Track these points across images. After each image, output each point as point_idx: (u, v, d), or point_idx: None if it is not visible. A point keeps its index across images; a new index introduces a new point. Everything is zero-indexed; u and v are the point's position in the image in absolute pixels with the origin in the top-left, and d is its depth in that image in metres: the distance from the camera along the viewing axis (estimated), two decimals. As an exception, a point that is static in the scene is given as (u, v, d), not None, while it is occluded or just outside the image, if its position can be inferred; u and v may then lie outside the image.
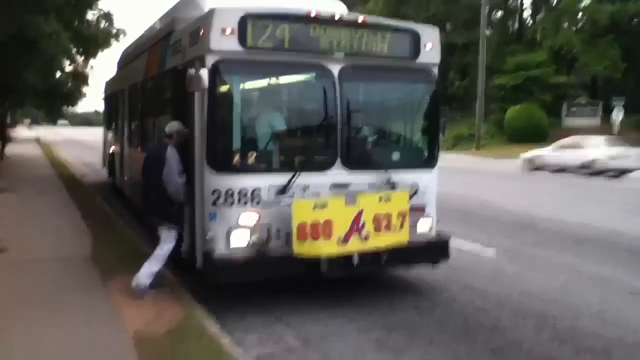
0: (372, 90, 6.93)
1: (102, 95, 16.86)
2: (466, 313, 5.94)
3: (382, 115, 7.03)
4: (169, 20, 8.27)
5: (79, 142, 43.01)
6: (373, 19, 6.57)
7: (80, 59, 24.74)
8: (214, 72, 5.52)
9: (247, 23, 5.60)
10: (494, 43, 43.40)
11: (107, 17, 23.86)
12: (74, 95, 27.96)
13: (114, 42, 24.00)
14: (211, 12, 5.63)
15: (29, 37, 14.62)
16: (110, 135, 14.85)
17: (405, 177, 6.33)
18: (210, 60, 5.58)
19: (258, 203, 5.71)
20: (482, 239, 9.19)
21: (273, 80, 6.31)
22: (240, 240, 5.65)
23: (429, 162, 6.69)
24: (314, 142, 6.36)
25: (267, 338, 5.23)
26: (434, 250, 6.53)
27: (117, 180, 13.24)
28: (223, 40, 5.56)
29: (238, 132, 5.96)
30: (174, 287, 6.24)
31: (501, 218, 11.40)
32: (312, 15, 5.91)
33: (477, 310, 6.04)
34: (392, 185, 6.19)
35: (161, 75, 8.10)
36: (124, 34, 24.31)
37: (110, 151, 14.48)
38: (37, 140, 41.27)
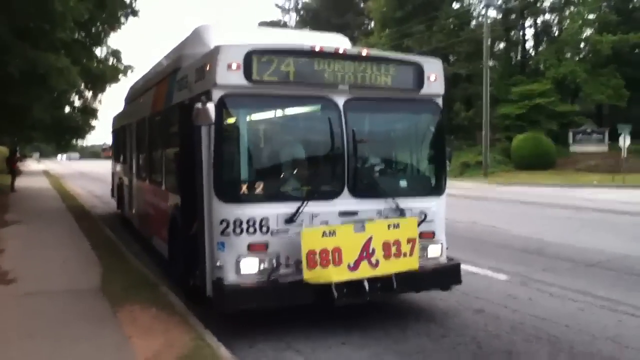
0: (378, 121, 6.99)
1: (111, 129, 17.19)
2: (479, 338, 5.86)
3: (388, 145, 7.11)
4: (176, 57, 8.49)
5: (87, 174, 43.26)
6: (376, 52, 6.67)
7: (89, 94, 25.13)
8: (220, 106, 5.65)
9: (252, 58, 5.74)
10: (498, 74, 43.80)
11: (116, 54, 24.36)
12: (83, 129, 28.28)
13: (122, 78, 24.44)
14: (217, 49, 5.78)
15: (40, 73, 14.86)
16: (118, 167, 15.10)
17: (413, 204, 6.37)
18: (216, 94, 5.72)
19: (267, 232, 5.77)
20: (492, 265, 9.12)
21: (279, 113, 6.41)
22: (249, 268, 5.70)
23: (437, 189, 6.75)
24: (321, 172, 6.43)
25: (278, 365, 5.17)
26: (445, 275, 6.53)
27: (126, 211, 13.39)
28: (229, 75, 5.71)
29: (245, 163, 6.03)
30: (185, 316, 6.20)
31: (510, 244, 11.32)
32: (317, 50, 6.05)
33: (490, 335, 5.96)
34: (401, 212, 6.21)
35: (168, 109, 8.26)
36: (132, 70, 24.77)
37: (119, 183, 14.70)
38: (46, 173, 41.55)
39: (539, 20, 48.13)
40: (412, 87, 6.53)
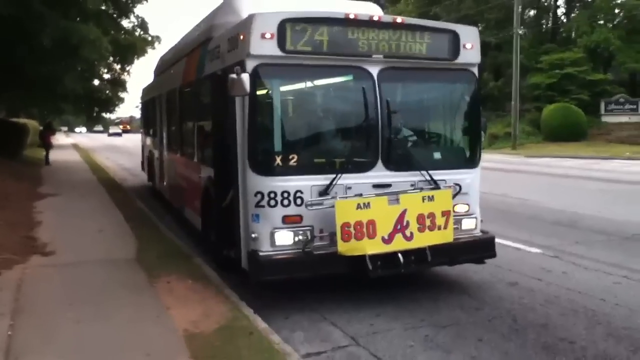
0: (412, 91, 6.90)
1: (139, 102, 17.30)
2: (514, 311, 5.84)
3: (422, 116, 7.00)
4: (207, 27, 8.39)
5: (115, 147, 43.87)
6: (412, 19, 6.52)
7: (117, 66, 25.33)
8: (254, 76, 5.60)
9: (286, 27, 5.67)
10: (528, 42, 42.70)
11: (143, 25, 24.41)
12: (112, 101, 28.55)
13: (149, 50, 24.54)
14: (250, 17, 5.70)
15: (72, 43, 14.98)
16: (148, 140, 15.15)
17: (447, 176, 6.29)
18: (250, 64, 5.67)
19: (301, 204, 5.78)
20: (525, 238, 9.04)
21: (313, 83, 6.35)
22: (284, 239, 5.74)
23: (472, 161, 6.68)
24: (355, 144, 6.34)
25: (314, 336, 5.24)
26: (479, 248, 6.49)
27: (157, 183, 13.53)
28: (263, 45, 5.64)
29: (279, 135, 6.01)
30: (220, 287, 6.30)
31: (542, 217, 11.19)
32: (351, 17, 5.95)
33: (525, 308, 5.94)
34: (435, 185, 6.14)
35: (200, 80, 8.23)
36: (159, 41, 24.85)
37: (149, 156, 14.80)
38: (75, 147, 42.26)
39: (571, -15, 46.63)
40: (447, 56, 6.41)
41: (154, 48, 24.92)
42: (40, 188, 15.18)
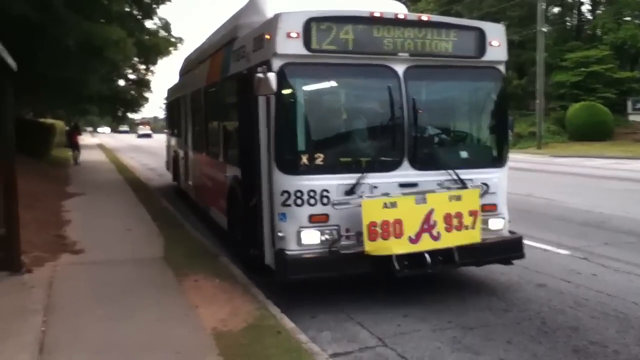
0: (438, 90, 6.86)
1: (164, 102, 17.50)
2: (543, 313, 5.78)
3: (448, 115, 6.95)
4: (232, 27, 8.42)
5: (139, 147, 44.36)
6: (437, 17, 6.48)
7: (141, 67, 25.66)
8: (280, 75, 5.62)
9: (311, 26, 5.70)
10: (552, 40, 42.16)
11: (166, 26, 24.72)
12: (137, 102, 28.91)
13: (172, 50, 24.84)
14: (276, 17, 5.73)
15: (96, 45, 15.19)
16: (173, 140, 15.26)
17: (474, 176, 6.25)
18: (276, 64, 5.70)
19: (327, 203, 5.79)
20: (552, 239, 8.93)
21: (338, 82, 6.34)
22: (310, 239, 5.76)
23: (499, 160, 6.62)
24: (381, 143, 6.36)
25: (341, 336, 5.24)
26: (507, 249, 6.43)
27: (182, 183, 13.64)
28: (288, 44, 5.68)
29: (306, 134, 6.04)
30: (247, 286, 6.34)
31: (569, 217, 11.04)
32: (376, 15, 5.96)
33: (554, 311, 5.87)
34: (462, 184, 6.10)
35: (225, 80, 8.28)
36: (182, 43, 25.14)
37: (174, 156, 14.90)
38: (101, 147, 42.85)
39: (597, -18, 45.89)
40: (473, 54, 6.38)
41: (177, 49, 25.24)
42: (67, 187, 15.45)
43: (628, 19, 40.16)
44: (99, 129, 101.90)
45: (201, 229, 9.85)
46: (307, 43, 5.70)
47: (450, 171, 6.11)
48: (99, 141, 54.80)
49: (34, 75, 16.35)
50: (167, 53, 24.96)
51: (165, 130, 19.27)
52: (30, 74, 15.34)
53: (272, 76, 5.51)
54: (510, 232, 6.58)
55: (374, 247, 5.53)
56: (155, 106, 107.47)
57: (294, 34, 5.66)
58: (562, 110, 37.54)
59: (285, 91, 5.75)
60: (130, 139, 68.58)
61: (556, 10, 48.36)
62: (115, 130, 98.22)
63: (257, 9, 7.55)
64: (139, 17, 22.70)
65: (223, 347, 4.69)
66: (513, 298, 6.28)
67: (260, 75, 5.50)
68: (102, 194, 14.07)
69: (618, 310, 5.83)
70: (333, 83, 6.38)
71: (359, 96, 6.62)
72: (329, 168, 5.91)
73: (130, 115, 38.02)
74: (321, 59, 5.85)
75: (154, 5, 22.68)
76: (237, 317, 5.37)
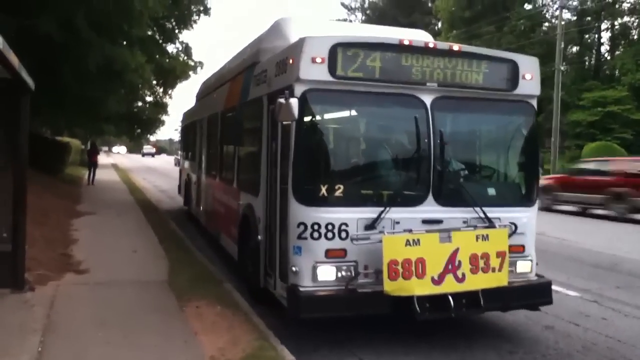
0: (467, 122, 6.58)
1: (180, 125, 17.64)
2: (549, 356, 5.63)
3: (477, 149, 6.70)
4: (253, 52, 8.26)
5: (153, 169, 44.68)
6: (469, 47, 6.27)
7: (160, 89, 25.99)
8: (303, 101, 5.41)
9: (337, 52, 5.50)
10: (570, 78, 42.16)
11: (187, 50, 25.08)
12: (154, 123, 29.21)
13: (191, 74, 25.17)
14: (301, 41, 5.53)
15: (116, 69, 15.46)
16: (186, 164, 15.20)
17: (502, 214, 5.94)
18: (299, 89, 5.49)
19: (345, 238, 5.51)
20: (562, 280, 8.74)
21: (363, 111, 6.10)
22: (326, 275, 5.46)
23: (528, 199, 6.33)
24: (405, 176, 6.05)
25: (340, 372, 5.13)
26: (535, 294, 6.12)
27: (193, 208, 13.56)
28: (313, 69, 5.46)
29: (326, 163, 5.83)
30: (249, 314, 6.25)
31: (581, 258, 10.83)
32: (405, 43, 5.77)
33: (561, 354, 5.71)
34: (489, 223, 5.77)
35: (243, 105, 8.12)
36: (202, 67, 25.48)
37: (186, 180, 14.82)
38: (115, 166, 43.22)
39: (616, 23, 46.00)
40: (505, 87, 6.15)
41: (196, 73, 25.56)
42: (78, 206, 15.52)
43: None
44: (114, 149, 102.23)
45: (208, 253, 9.80)
46: (332, 69, 5.48)
47: (477, 209, 5.80)
48: (113, 161, 55.31)
49: (54, 93, 16.64)
50: (186, 77, 25.28)
51: (179, 154, 19.22)
52: (50, 92, 15.63)
53: (294, 102, 5.28)
54: (538, 275, 6.28)
55: (395, 287, 5.20)
56: (170, 129, 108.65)
57: (318, 59, 5.43)
58: (578, 149, 37.29)
59: (307, 118, 5.54)
60: (146, 160, 69.23)
61: (575, 49, 48.50)
62: (134, 151, 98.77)
63: (281, 33, 7.44)
64: (161, 41, 23.13)
65: (220, 377, 4.60)
66: (520, 339, 6.13)
67: (282, 100, 5.28)
68: (112, 214, 14.10)
69: (626, 357, 5.67)
70: (357, 111, 6.13)
71: (383, 126, 6.34)
72: (349, 201, 5.61)
73: (147, 136, 38.36)
74: (346, 86, 5.62)
75: (177, 30, 23.13)
76: (236, 346, 5.27)
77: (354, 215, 5.52)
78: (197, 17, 22.83)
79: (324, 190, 5.57)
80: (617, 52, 45.45)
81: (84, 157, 26.72)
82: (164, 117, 29.39)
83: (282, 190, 5.76)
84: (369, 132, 6.28)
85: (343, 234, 5.50)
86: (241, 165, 8.31)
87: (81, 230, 11.33)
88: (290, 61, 5.68)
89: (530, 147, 6.47)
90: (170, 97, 27.49)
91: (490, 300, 5.51)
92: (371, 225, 5.51)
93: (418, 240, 5.29)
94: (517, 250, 6.00)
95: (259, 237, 6.57)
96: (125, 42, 16.82)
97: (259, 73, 7.18)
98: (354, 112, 6.14)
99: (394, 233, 5.45)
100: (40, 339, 5.25)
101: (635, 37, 44.27)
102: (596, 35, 47.44)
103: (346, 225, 5.50)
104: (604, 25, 46.48)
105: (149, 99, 27.33)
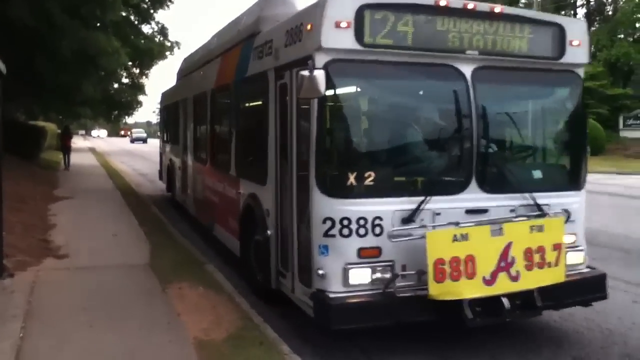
0: (510, 97, 5.85)
1: (159, 107, 16.73)
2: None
3: (521, 127, 5.95)
4: (252, 21, 7.30)
5: (131, 152, 44.20)
6: (511, 9, 5.50)
7: (136, 71, 25.65)
8: (326, 75, 4.56)
9: (364, 15, 4.72)
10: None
11: (163, 31, 24.72)
12: (131, 105, 28.85)
13: (168, 55, 24.86)
14: (322, 2, 4.73)
15: (91, 54, 15.20)
16: (168, 147, 14.25)
17: (552, 200, 5.30)
18: (320, 60, 4.68)
19: (380, 233, 4.80)
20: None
21: (394, 85, 5.29)
22: (359, 278, 4.74)
23: (577, 182, 5.63)
24: (444, 159, 5.32)
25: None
26: (589, 288, 5.48)
27: (178, 195, 12.70)
28: (337, 36, 4.68)
29: (355, 147, 5.09)
30: (232, 295, 6.28)
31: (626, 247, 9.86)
32: (441, 4, 5.00)
33: (542, 322, 5.77)
34: (539, 211, 5.14)
35: (241, 82, 7.31)
36: (178, 47, 25.16)
37: (169, 165, 13.93)
38: (92, 150, 42.67)
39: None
40: (551, 55, 5.44)
41: (173, 53, 25.25)
42: (56, 191, 15.32)
43: (621, 36, 40.59)
44: (93, 132, 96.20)
45: (190, 236, 9.77)
46: (359, 35, 4.70)
47: (527, 195, 5.15)
48: (90, 144, 54.54)
49: (28, 78, 16.34)
50: (163, 57, 24.95)
51: (159, 137, 18.56)
52: (24, 76, 15.34)
53: (320, 75, 4.45)
54: (589, 267, 5.65)
55: (441, 290, 4.52)
56: (148, 111, 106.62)
57: (344, 24, 4.65)
58: (555, 125, 37.77)
59: (331, 94, 4.76)
60: (124, 143, 65.15)
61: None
62: (115, 134, 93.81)
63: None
64: (136, 22, 22.74)
65: (204, 357, 4.63)
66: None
67: (305, 73, 4.44)
68: (91, 199, 13.96)
69: (602, 327, 5.77)
70: (387, 86, 5.30)
71: (417, 102, 5.52)
72: (382, 190, 4.88)
73: (124, 118, 37.86)
74: (374, 55, 4.85)
75: (152, 11, 22.75)
76: (220, 326, 5.31)
77: (389, 207, 4.81)
78: (173, -4, 22.45)
79: (352, 178, 4.80)
80: (593, 29, 45.86)
81: (59, 142, 26.24)
82: (141, 98, 28.98)
83: (300, 179, 5.10)
84: (401, 110, 5.42)
85: (377, 230, 4.79)
86: (240, 149, 7.49)
87: (59, 215, 11.21)
88: (308, 27, 4.90)
89: (578, 123, 5.81)
90: (147, 77, 27.13)
91: (545, 299, 4.89)
92: (409, 218, 4.82)
93: (466, 234, 4.62)
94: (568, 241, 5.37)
95: (268, 232, 5.95)
96: (99, 25, 16.50)
97: (261, 44, 6.37)
98: (384, 87, 5.30)
99: (438, 227, 4.77)
100: (22, 325, 5.23)
101: (610, 13, 44.67)
102: (572, 12, 47.75)
103: (380, 219, 4.78)
104: (579, 2, 46.86)
105: (125, 80, 26.92)
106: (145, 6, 22.22)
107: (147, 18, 23.19)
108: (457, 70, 5.11)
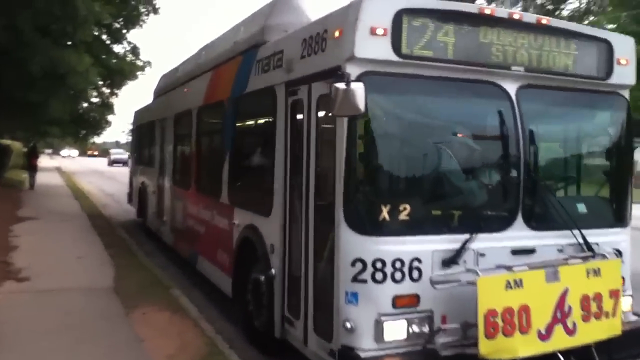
0: (555, 121, 5.21)
1: (132, 126, 16.00)
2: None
3: (566, 155, 5.41)
4: (255, 31, 6.61)
5: (97, 171, 43.48)
6: (556, 21, 4.88)
7: (106, 90, 25.50)
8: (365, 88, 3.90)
9: (402, 21, 4.12)
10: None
11: (134, 50, 24.68)
12: (100, 125, 28.54)
13: (139, 74, 24.84)
14: (356, 5, 4.10)
15: (60, 72, 15.04)
16: (141, 169, 13.24)
17: (601, 238, 4.67)
18: (353, 72, 3.97)
19: (418, 278, 4.11)
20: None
21: (433, 105, 4.60)
22: (395, 332, 4.03)
23: (623, 217, 5.05)
24: (488, 191, 4.62)
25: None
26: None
27: (151, 221, 11.64)
28: (372, 45, 4.05)
29: (392, 176, 4.45)
30: (198, 320, 6.20)
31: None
32: (486, 12, 4.47)
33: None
34: (589, 250, 4.49)
35: (239, 98, 6.57)
36: (150, 66, 25.14)
37: (140, 187, 12.91)
38: (59, 170, 41.85)
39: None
40: (597, 74, 4.89)
41: (144, 73, 25.21)
42: (19, 211, 14.97)
43: None
44: (63, 152, 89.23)
45: (157, 259, 9.64)
46: (396, 44, 4.09)
47: (576, 232, 4.50)
48: (57, 164, 53.49)
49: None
50: (134, 77, 24.87)
51: (130, 158, 17.74)
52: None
53: (359, 88, 3.76)
54: (635, 313, 4.98)
55: (494, 348, 3.81)
56: (117, 130, 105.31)
57: (380, 30, 4.04)
58: None
59: (367, 112, 4.02)
60: (91, 162, 63.59)
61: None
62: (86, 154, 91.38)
63: (294, 6, 6.12)
64: (108, 42, 22.66)
65: (167, 384, 4.56)
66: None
67: (340, 86, 3.76)
68: (55, 219, 13.65)
69: None
70: (426, 105, 4.58)
71: (459, 125, 4.72)
72: (419, 226, 4.24)
73: (92, 138, 37.34)
74: (412, 68, 4.21)
75: (124, 31, 22.72)
76: (185, 352, 5.23)
77: (428, 247, 4.15)
78: (146, 17, 22.49)
79: (388, 212, 4.12)
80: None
81: (26, 161, 25.68)
82: (110, 118, 28.69)
83: (319, 211, 4.45)
84: (440, 133, 4.65)
85: (415, 274, 4.11)
86: (234, 174, 6.68)
87: (22, 237, 10.94)
88: (336, 34, 4.25)
89: (625, 150, 5.16)
90: (117, 97, 26.91)
91: (599, 353, 4.21)
92: (452, 259, 4.15)
93: (520, 280, 3.91)
94: None
95: (272, 270, 5.22)
96: (70, 43, 16.37)
97: (268, 56, 5.67)
98: (421, 106, 4.58)
99: (486, 271, 3.98)
100: (-21, 351, 5.07)
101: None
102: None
103: (419, 260, 4.11)
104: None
105: (94, 99, 26.66)
106: (118, 26, 22.16)
107: (119, 38, 23.11)
108: (500, 88, 4.52)
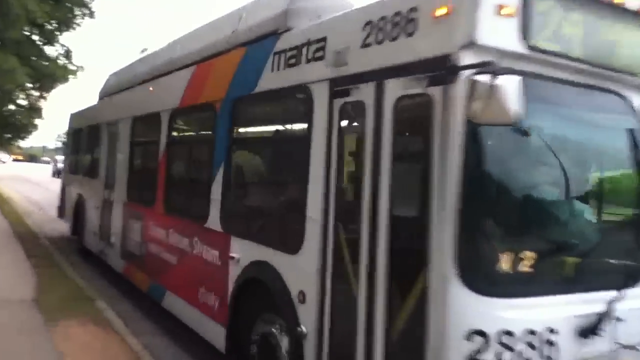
0: None
1: (67, 130, 14.11)
2: None
3: None
4: (273, 15, 5.17)
5: (22, 177, 41.46)
6: None
7: (35, 93, 24.54)
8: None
9: (531, 3, 3.10)
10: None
11: (67, 54, 23.91)
12: (26, 128, 27.37)
13: (71, 78, 24.06)
14: None
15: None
16: (79, 180, 11.56)
17: None
18: (468, 60, 2.95)
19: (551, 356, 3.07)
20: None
21: (560, 116, 3.51)
22: None
23: None
24: (620, 232, 3.82)
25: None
26: None
27: (90, 241, 10.11)
28: (497, 29, 3.01)
29: (529, 215, 3.30)
30: (123, 334, 6.04)
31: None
32: (617, 1, 3.51)
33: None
34: None
35: (242, 99, 5.27)
36: (82, 71, 24.41)
37: (78, 201, 11.19)
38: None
39: None
40: None
41: (76, 77, 24.44)
42: None
43: None
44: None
45: (81, 270, 9.29)
46: (525, 31, 3.09)
47: None
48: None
49: None
50: (65, 80, 24.05)
51: (62, 166, 15.91)
52: None
53: (513, 86, 2.72)
54: None
55: None
56: (45, 135, 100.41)
57: (507, 10, 2.99)
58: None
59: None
60: (10, 166, 59.50)
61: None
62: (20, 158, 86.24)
63: None
64: (39, 42, 21.85)
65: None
66: None
67: (484, 80, 2.77)
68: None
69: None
70: (557, 116, 3.50)
71: (585, 143, 3.70)
72: (548, 281, 3.25)
73: (17, 142, 35.66)
74: (540, 65, 3.21)
75: (57, 33, 21.98)
76: (109, 368, 5.09)
77: (564, 312, 3.12)
78: (81, 20, 21.87)
79: (522, 263, 3.09)
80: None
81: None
82: (37, 122, 27.47)
83: (398, 255, 3.26)
84: (570, 154, 3.53)
85: (548, 351, 3.05)
86: (233, 193, 5.43)
87: None
88: (438, 12, 3.12)
89: None
90: (45, 100, 25.87)
91: None
92: (592, 328, 3.12)
93: None
94: None
95: (302, 328, 3.96)
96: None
97: (297, 46, 4.44)
98: (553, 117, 3.46)
99: (633, 347, 3.15)
100: None
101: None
102: None
103: (555, 332, 3.06)
104: None
105: (22, 102, 25.52)
106: (51, 27, 21.43)
107: (51, 40, 22.32)
108: (625, 99, 3.66)
